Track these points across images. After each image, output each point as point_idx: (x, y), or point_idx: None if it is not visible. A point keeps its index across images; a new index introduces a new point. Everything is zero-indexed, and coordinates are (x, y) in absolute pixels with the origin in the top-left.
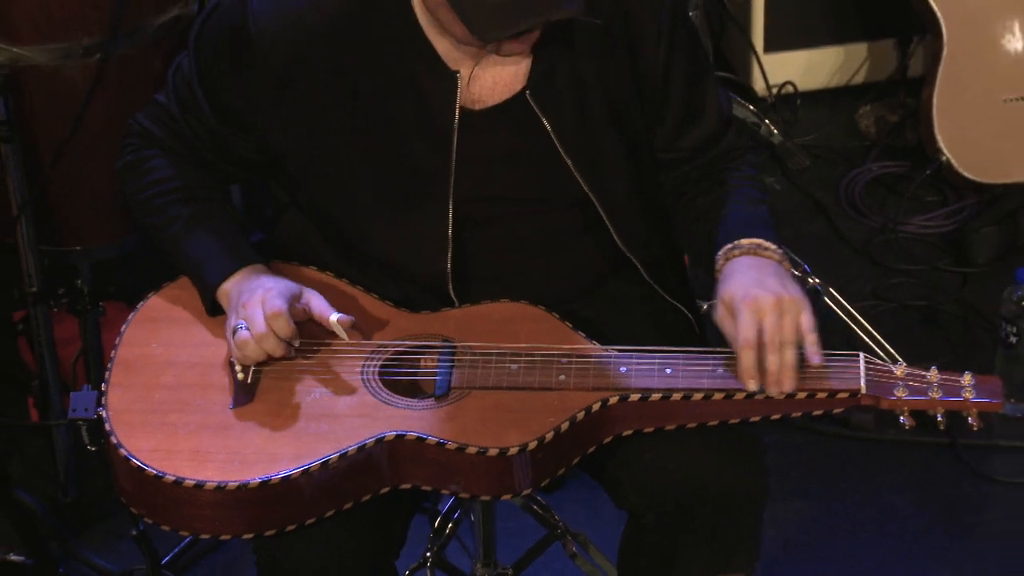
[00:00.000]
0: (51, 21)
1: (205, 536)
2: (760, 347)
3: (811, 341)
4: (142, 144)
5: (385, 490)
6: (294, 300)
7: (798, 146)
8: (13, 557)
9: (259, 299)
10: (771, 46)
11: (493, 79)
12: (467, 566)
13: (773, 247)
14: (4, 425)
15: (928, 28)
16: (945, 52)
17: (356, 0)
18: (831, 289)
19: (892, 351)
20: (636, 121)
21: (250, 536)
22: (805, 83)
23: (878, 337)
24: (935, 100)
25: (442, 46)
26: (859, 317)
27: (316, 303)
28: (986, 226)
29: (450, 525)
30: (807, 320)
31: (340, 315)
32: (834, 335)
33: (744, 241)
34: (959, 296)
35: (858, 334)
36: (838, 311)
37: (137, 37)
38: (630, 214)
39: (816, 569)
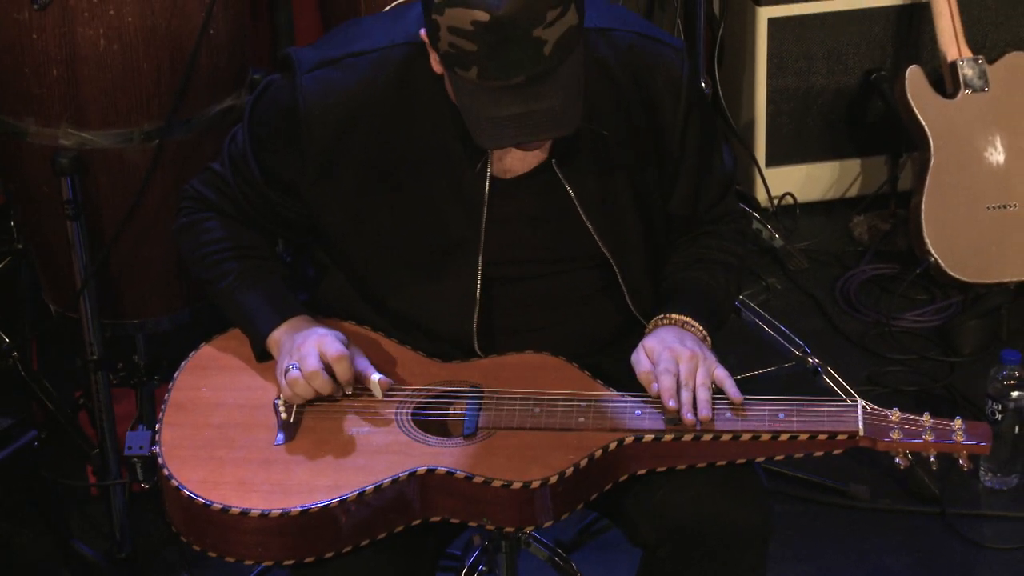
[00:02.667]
0: (116, 109)
1: (249, 562)
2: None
3: (729, 386)
4: (197, 207)
5: (416, 522)
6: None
7: (797, 250)
8: None
9: (315, 343)
10: (772, 161)
11: (522, 151)
12: None
13: (698, 325)
14: (68, 485)
15: (917, 142)
16: (932, 163)
17: (395, 80)
18: (829, 368)
19: None
20: (652, 190)
21: (290, 562)
22: (804, 195)
23: None
24: (923, 206)
25: None
26: (854, 393)
27: (359, 359)
28: (971, 320)
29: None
30: (720, 372)
31: (381, 376)
32: None
33: (675, 316)
34: (947, 383)
35: None
36: (835, 388)
37: (193, 124)
38: (643, 276)
39: None
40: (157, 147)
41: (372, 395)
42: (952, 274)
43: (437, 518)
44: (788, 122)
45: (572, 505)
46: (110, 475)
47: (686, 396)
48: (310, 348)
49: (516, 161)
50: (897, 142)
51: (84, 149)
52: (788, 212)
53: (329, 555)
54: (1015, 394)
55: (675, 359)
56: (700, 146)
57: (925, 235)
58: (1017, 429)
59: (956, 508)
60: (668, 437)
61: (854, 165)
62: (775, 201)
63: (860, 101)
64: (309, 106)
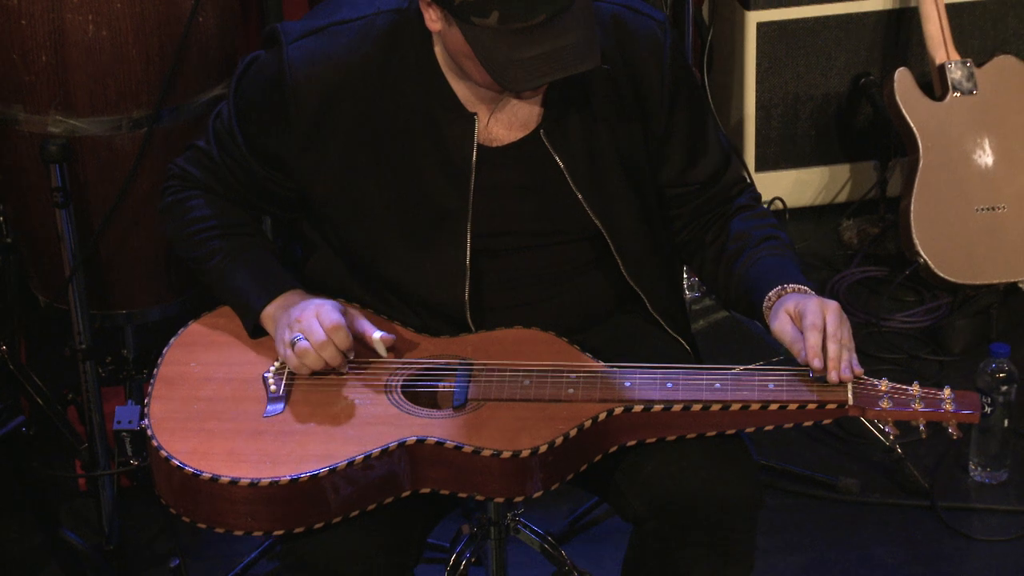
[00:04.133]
0: (105, 96)
1: (238, 533)
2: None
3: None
4: (182, 185)
5: (406, 493)
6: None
7: None
8: None
9: (313, 313)
10: (761, 166)
11: (509, 119)
12: None
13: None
14: (57, 476)
15: (906, 144)
16: (921, 165)
17: (381, 47)
18: None
19: None
20: (641, 162)
21: (280, 532)
22: (793, 200)
23: None
24: (913, 208)
25: (460, 90)
26: None
27: (359, 321)
28: (961, 320)
29: (464, 563)
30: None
31: (382, 333)
32: None
33: (791, 286)
34: (937, 380)
35: None
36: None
37: (182, 112)
38: (637, 249)
39: None
40: (146, 135)
41: (361, 367)
42: (941, 275)
43: (427, 490)
44: (777, 127)
45: (562, 476)
46: (99, 467)
47: (833, 350)
48: (311, 319)
49: (503, 129)
50: (886, 147)
51: (73, 136)
52: (777, 217)
53: (319, 526)
54: (1004, 388)
55: (823, 310)
56: (690, 114)
57: (914, 237)
58: (1006, 422)
59: (945, 501)
60: (657, 408)
61: (843, 170)
62: (764, 206)
63: (849, 106)
64: (295, 75)
